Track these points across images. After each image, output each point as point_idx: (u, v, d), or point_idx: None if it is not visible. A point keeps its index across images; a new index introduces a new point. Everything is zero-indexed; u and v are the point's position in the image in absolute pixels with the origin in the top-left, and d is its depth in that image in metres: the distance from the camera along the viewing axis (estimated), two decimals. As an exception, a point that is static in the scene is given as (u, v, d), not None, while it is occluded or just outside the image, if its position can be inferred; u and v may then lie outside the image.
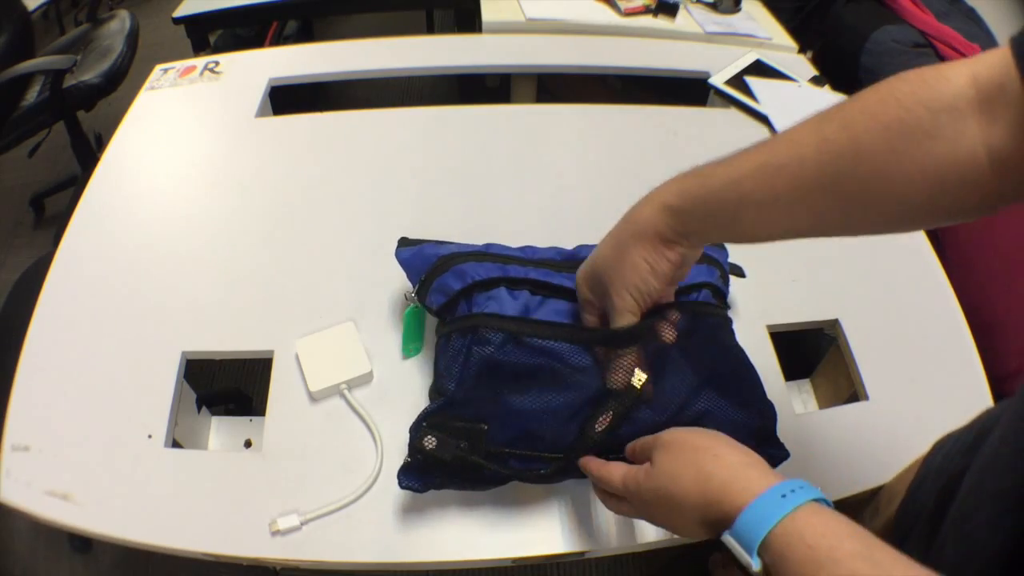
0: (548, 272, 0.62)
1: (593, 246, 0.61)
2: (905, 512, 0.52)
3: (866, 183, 0.39)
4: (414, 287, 0.66)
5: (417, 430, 0.57)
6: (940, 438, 0.53)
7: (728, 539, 0.39)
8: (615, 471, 0.49)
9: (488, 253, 0.64)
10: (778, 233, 0.45)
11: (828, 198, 0.41)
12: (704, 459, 0.43)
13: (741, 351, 0.61)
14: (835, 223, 0.43)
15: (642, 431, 0.52)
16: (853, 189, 0.40)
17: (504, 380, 0.57)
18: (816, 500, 0.38)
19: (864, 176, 0.39)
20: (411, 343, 0.71)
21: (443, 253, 0.65)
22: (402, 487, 0.57)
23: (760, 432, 0.59)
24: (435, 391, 0.61)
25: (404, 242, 0.71)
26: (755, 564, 0.37)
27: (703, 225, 0.46)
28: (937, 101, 0.37)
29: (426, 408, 0.58)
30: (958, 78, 0.37)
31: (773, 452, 0.59)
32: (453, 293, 0.61)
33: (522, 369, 0.56)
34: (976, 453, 0.43)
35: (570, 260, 0.64)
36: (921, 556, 0.33)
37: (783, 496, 0.38)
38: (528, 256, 0.65)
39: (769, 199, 0.42)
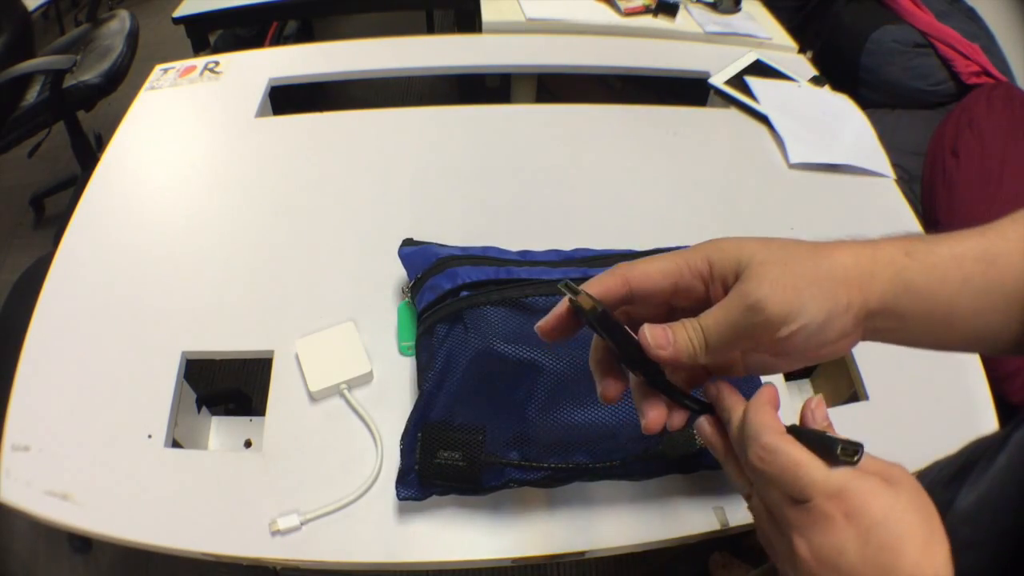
0: (544, 270, 0.62)
1: (590, 250, 0.61)
2: None
3: None
4: (410, 283, 0.67)
5: (413, 442, 0.57)
6: (928, 465, 0.50)
7: None
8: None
9: (485, 257, 0.65)
10: (969, 340, 0.37)
11: (1020, 306, 0.35)
12: (883, 548, 0.30)
13: None
14: (1011, 342, 0.36)
15: None
16: None
17: (495, 364, 0.57)
18: None
19: None
20: (408, 340, 0.71)
21: (442, 255, 0.65)
22: (401, 499, 0.58)
23: None
24: (419, 388, 0.62)
25: (408, 242, 0.72)
26: None
27: (922, 304, 0.35)
28: None
29: (414, 414, 0.58)
30: None
31: None
32: (442, 292, 0.61)
33: (517, 338, 0.57)
34: (959, 485, 0.40)
35: (568, 261, 0.64)
36: None
37: None
38: (525, 259, 0.65)
39: (984, 290, 0.35)
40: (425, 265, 0.66)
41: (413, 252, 0.69)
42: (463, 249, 0.67)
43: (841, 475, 0.31)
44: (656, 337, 0.34)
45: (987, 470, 0.39)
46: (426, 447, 0.57)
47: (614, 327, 0.35)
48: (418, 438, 0.57)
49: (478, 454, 0.56)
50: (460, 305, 0.60)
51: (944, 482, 0.43)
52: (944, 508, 0.38)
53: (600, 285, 0.36)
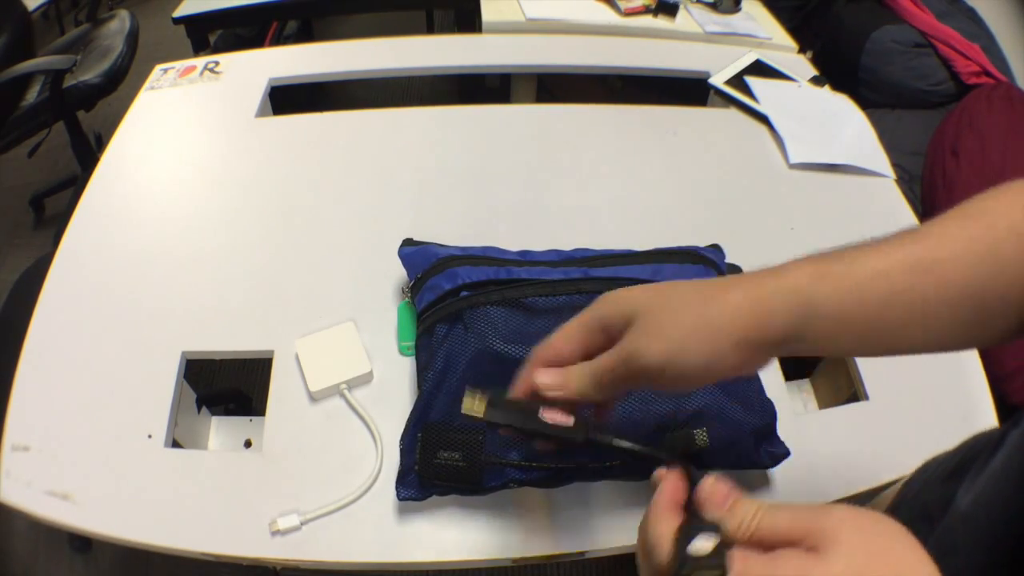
0: (544, 270, 0.62)
1: (589, 250, 0.61)
2: None
3: (1003, 296, 0.35)
4: (410, 283, 0.67)
5: (413, 442, 0.57)
6: (926, 461, 0.50)
7: None
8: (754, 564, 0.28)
9: (485, 257, 0.65)
10: (903, 347, 0.38)
11: (966, 308, 0.35)
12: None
13: None
14: (958, 340, 0.37)
15: (646, 417, 0.52)
16: (992, 301, 0.35)
17: (496, 362, 0.57)
18: None
19: (1001, 289, 0.35)
20: (408, 340, 0.71)
21: (442, 255, 0.65)
22: (401, 499, 0.58)
23: (761, 430, 0.59)
24: (419, 388, 0.62)
25: (408, 242, 0.72)
26: None
27: (833, 327, 0.36)
28: None
29: (414, 414, 0.58)
30: None
31: (774, 450, 0.59)
32: (442, 292, 0.61)
33: (517, 338, 0.57)
34: (957, 484, 0.40)
35: (568, 261, 0.64)
36: None
37: None
38: (525, 259, 0.65)
39: (919, 300, 0.35)
40: (425, 265, 0.66)
41: (413, 252, 0.69)
42: (463, 249, 0.67)
43: (816, 517, 0.28)
44: (552, 379, 0.38)
45: (983, 471, 0.39)
46: (426, 447, 0.57)
47: (511, 417, 0.40)
48: (418, 438, 0.57)
49: (478, 454, 0.56)
50: (460, 305, 0.60)
51: (942, 478, 0.43)
52: (943, 505, 0.39)
53: (522, 384, 0.40)
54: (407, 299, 0.70)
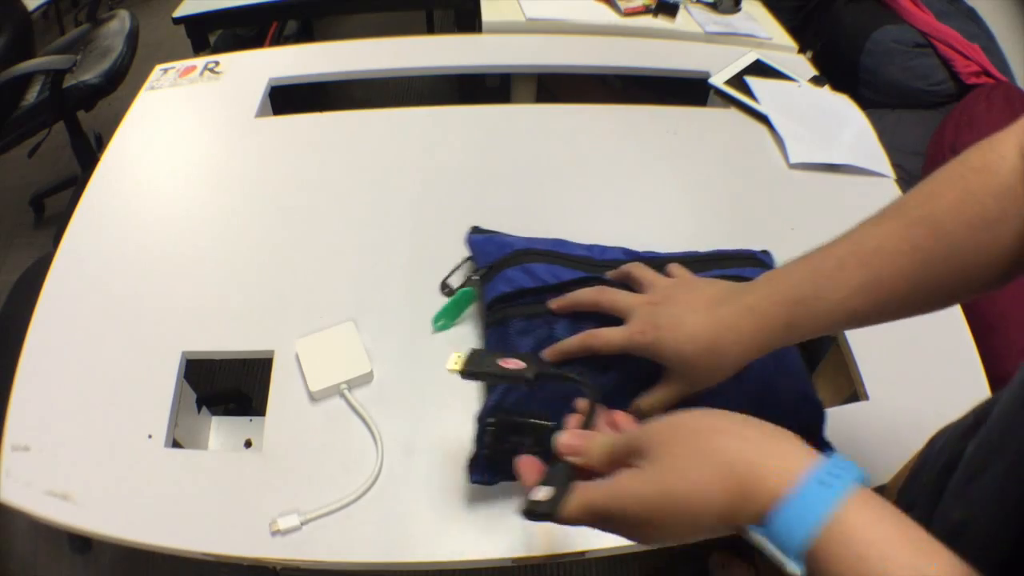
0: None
1: (658, 253, 0.63)
2: (905, 492, 0.53)
3: (954, 275, 0.43)
4: (479, 270, 0.68)
5: (483, 424, 0.57)
6: (939, 430, 0.54)
7: (759, 538, 0.32)
8: (579, 498, 0.37)
9: (559, 254, 0.66)
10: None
11: (920, 295, 0.44)
12: (715, 440, 0.35)
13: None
14: (915, 309, 0.46)
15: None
16: (944, 283, 0.44)
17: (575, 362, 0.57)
18: (860, 482, 0.32)
19: (953, 271, 0.43)
20: (446, 319, 0.72)
21: (518, 247, 0.67)
22: (472, 482, 0.58)
23: (810, 430, 0.60)
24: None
25: (476, 230, 0.75)
26: (798, 570, 0.31)
27: (803, 335, 0.48)
28: (1000, 187, 0.41)
29: (489, 400, 0.59)
30: (1010, 153, 0.41)
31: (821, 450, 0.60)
32: (519, 289, 0.63)
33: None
34: (972, 436, 0.44)
35: (638, 260, 0.65)
36: (924, 527, 0.31)
37: (822, 483, 0.31)
38: (597, 257, 0.67)
39: (874, 312, 0.45)
40: (497, 254, 0.67)
41: (484, 240, 0.71)
42: (529, 240, 0.69)
43: (636, 435, 0.38)
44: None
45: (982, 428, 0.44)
46: (499, 434, 0.57)
47: (480, 370, 0.52)
48: (490, 423, 0.57)
49: (546, 441, 0.57)
50: (543, 302, 0.61)
51: (961, 434, 0.47)
52: (958, 457, 0.44)
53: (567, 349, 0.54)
54: (473, 286, 0.70)
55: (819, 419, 0.60)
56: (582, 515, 0.36)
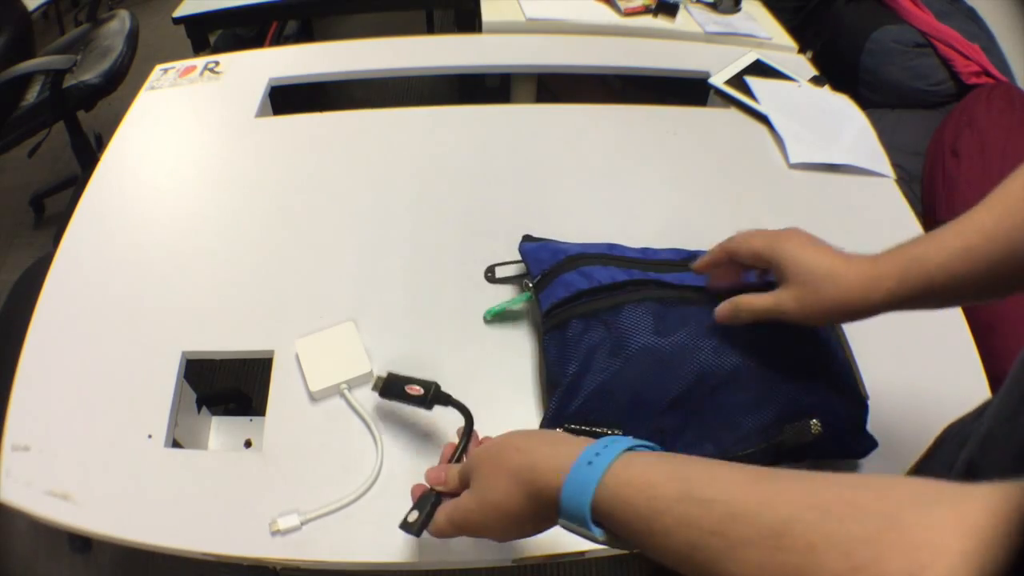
0: (678, 275, 0.64)
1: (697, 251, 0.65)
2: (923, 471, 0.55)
3: None
4: (534, 277, 0.69)
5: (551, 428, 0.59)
6: (948, 424, 0.56)
7: (564, 524, 0.39)
8: (441, 514, 0.47)
9: (612, 256, 0.67)
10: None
11: (1008, 272, 0.46)
12: (508, 456, 0.43)
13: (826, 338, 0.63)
14: (999, 291, 0.48)
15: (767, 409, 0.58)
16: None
17: (641, 363, 0.59)
18: (628, 449, 0.38)
19: None
20: (499, 313, 0.73)
21: (571, 252, 0.68)
22: None
23: (859, 422, 0.61)
24: (550, 383, 0.63)
25: (528, 238, 0.75)
26: (598, 534, 0.37)
27: (912, 295, 0.49)
28: None
29: (553, 405, 0.60)
30: None
31: (866, 441, 0.61)
32: (576, 292, 0.63)
33: (660, 335, 0.60)
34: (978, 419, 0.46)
35: (688, 260, 0.66)
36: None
37: (590, 463, 0.37)
38: (649, 258, 0.68)
39: (970, 280, 0.47)
40: (552, 260, 0.68)
41: (537, 248, 0.72)
42: (582, 246, 0.70)
43: (465, 465, 0.48)
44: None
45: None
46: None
47: (392, 393, 0.63)
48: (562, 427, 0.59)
49: None
50: (600, 304, 0.62)
51: (975, 416, 0.51)
52: (966, 439, 0.47)
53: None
54: (527, 292, 0.71)
55: (862, 411, 0.61)
56: (445, 527, 0.46)
